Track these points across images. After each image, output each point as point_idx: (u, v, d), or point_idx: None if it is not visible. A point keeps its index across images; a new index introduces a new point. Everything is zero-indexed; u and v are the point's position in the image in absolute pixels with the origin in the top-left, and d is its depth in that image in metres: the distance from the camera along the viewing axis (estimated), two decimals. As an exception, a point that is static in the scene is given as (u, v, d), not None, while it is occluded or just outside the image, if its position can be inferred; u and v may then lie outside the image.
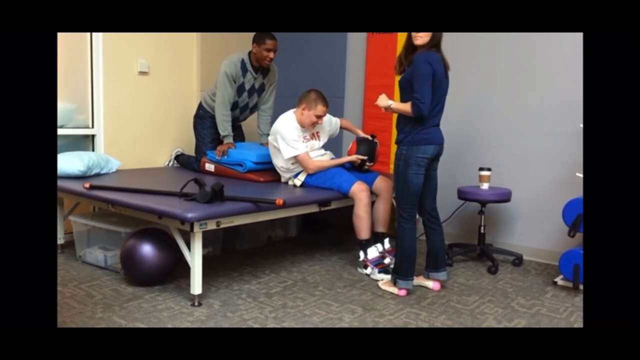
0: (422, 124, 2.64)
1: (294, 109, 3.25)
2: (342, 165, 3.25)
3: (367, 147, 3.28)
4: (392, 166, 4.02)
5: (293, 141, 3.13)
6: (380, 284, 2.89)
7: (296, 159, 3.16)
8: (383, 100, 2.74)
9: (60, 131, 3.52)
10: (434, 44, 2.62)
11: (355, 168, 3.26)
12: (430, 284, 2.87)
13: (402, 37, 3.57)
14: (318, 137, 3.36)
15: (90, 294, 2.65)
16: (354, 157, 3.23)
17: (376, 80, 4.06)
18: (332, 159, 3.34)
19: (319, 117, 3.18)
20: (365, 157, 3.21)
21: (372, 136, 3.36)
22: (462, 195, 3.36)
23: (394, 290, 2.79)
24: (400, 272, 2.75)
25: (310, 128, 3.27)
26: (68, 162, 3.16)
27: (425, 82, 2.55)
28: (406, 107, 2.62)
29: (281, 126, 3.16)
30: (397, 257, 2.76)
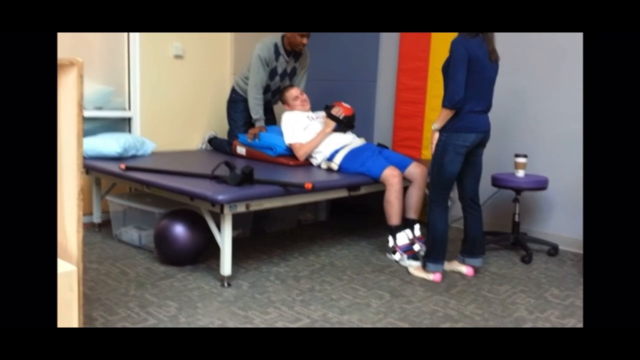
0: (462, 110, 2.59)
1: None
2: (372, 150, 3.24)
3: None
4: (424, 152, 3.98)
5: (292, 128, 3.35)
6: (411, 269, 2.86)
7: (291, 146, 3.36)
8: (434, 133, 2.72)
9: (98, 113, 3.62)
10: None
11: (343, 125, 3.36)
12: (464, 269, 2.85)
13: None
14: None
15: (125, 272, 2.73)
16: (330, 123, 3.32)
17: (410, 64, 3.99)
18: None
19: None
20: (339, 116, 3.33)
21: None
22: (497, 182, 3.28)
23: (426, 275, 2.77)
24: (431, 256, 2.74)
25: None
26: (105, 144, 3.24)
27: (459, 69, 2.51)
28: (441, 112, 2.62)
29: (284, 115, 3.44)
30: (428, 242, 2.75)
